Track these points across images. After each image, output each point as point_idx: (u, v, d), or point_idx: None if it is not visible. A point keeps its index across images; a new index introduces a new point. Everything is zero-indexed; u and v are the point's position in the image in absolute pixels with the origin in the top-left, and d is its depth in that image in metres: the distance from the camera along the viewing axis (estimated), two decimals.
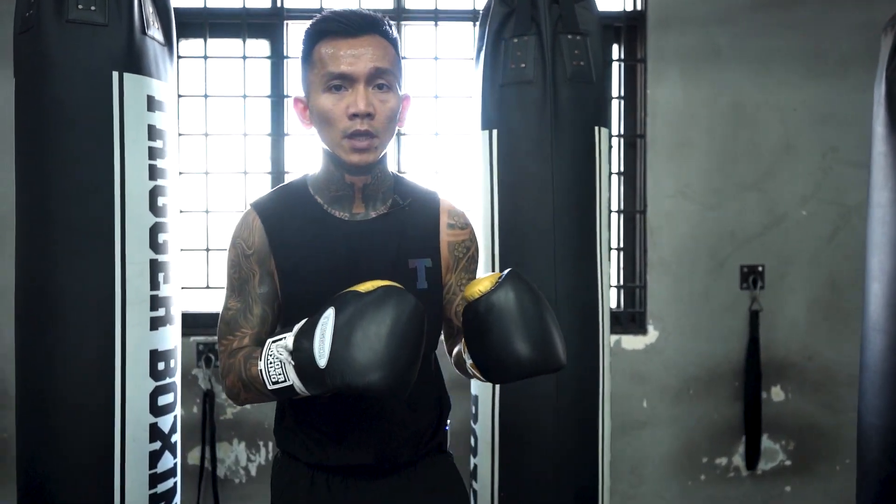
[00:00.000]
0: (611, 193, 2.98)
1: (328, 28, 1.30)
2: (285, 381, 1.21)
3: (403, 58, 1.40)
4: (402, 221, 1.40)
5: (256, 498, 2.86)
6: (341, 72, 1.28)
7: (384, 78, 1.30)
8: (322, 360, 1.13)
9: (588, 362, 1.99)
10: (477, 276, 1.46)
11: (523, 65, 1.96)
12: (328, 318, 1.16)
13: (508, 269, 1.30)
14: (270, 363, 1.23)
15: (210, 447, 2.79)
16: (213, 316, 2.89)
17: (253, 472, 2.86)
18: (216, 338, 2.80)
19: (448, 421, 1.50)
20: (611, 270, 3.02)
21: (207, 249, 2.87)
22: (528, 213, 1.94)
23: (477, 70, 2.06)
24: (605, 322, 2.04)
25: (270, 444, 2.84)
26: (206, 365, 2.80)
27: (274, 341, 1.23)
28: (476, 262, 1.48)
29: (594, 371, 2.00)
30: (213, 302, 2.93)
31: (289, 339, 1.21)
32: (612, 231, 3.02)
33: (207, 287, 2.88)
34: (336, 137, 1.31)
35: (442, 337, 1.51)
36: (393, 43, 1.34)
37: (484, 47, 2.02)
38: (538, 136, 1.94)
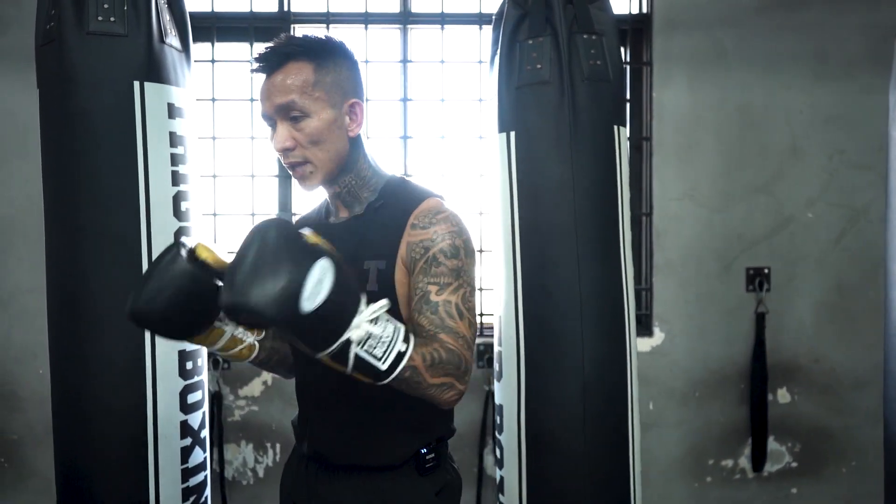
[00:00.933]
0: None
1: (255, 67, 1.38)
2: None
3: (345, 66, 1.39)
4: (370, 224, 1.42)
5: (264, 499, 2.87)
6: (264, 113, 1.38)
7: (294, 109, 1.35)
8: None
9: (616, 365, 1.95)
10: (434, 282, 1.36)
11: (539, 66, 1.95)
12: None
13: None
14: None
15: (218, 449, 2.80)
16: None
17: (261, 474, 2.87)
18: None
19: (430, 450, 1.44)
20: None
21: None
22: (550, 215, 1.92)
23: (492, 73, 2.06)
24: (631, 321, 2.00)
25: (278, 446, 2.86)
26: (214, 367, 2.81)
27: None
28: (443, 266, 1.34)
29: (622, 374, 1.96)
30: None
31: None
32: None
33: None
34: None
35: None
36: (314, 60, 1.36)
37: (498, 50, 2.01)
38: (557, 137, 1.93)
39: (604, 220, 1.97)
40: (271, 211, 2.93)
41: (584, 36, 1.96)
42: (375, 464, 1.41)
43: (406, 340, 1.21)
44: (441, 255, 1.34)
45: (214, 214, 2.89)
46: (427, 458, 1.43)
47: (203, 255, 1.25)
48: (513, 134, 1.97)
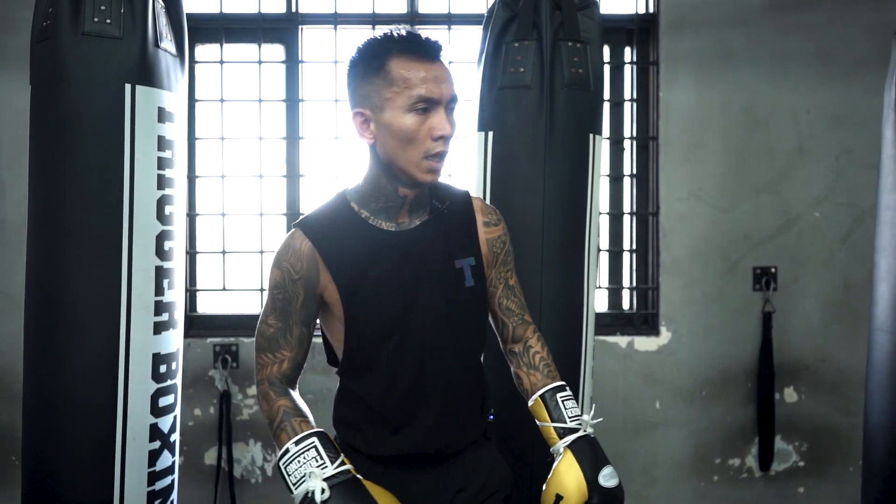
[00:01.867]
0: (616, 197, 3.01)
1: (406, 48, 1.35)
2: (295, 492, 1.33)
3: None
4: (444, 225, 1.47)
5: (272, 498, 2.89)
6: (430, 97, 1.34)
7: (455, 102, 1.39)
8: None
9: (569, 363, 2.00)
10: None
11: (522, 69, 1.98)
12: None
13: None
14: (289, 474, 1.33)
15: (227, 447, 2.82)
16: (229, 318, 2.93)
17: (269, 473, 2.89)
18: (231, 339, 2.84)
19: (491, 410, 1.59)
20: (623, 271, 3.04)
21: (224, 252, 2.91)
22: (519, 214, 1.95)
23: (478, 72, 2.08)
24: (589, 323, 2.05)
25: None
26: (223, 366, 2.83)
27: (294, 455, 1.34)
28: (512, 254, 1.57)
29: (575, 372, 2.02)
30: (229, 304, 2.96)
31: (298, 493, 1.30)
32: (624, 233, 3.04)
33: (224, 289, 2.91)
34: (415, 157, 1.36)
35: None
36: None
37: (485, 50, 2.05)
38: (532, 140, 1.96)
39: (571, 223, 2.01)
40: (279, 210, 2.95)
41: (569, 43, 1.99)
42: (463, 444, 1.51)
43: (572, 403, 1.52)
44: (510, 246, 1.57)
45: (223, 214, 2.90)
46: (490, 424, 1.58)
47: None
48: (491, 133, 2.01)
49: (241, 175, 2.94)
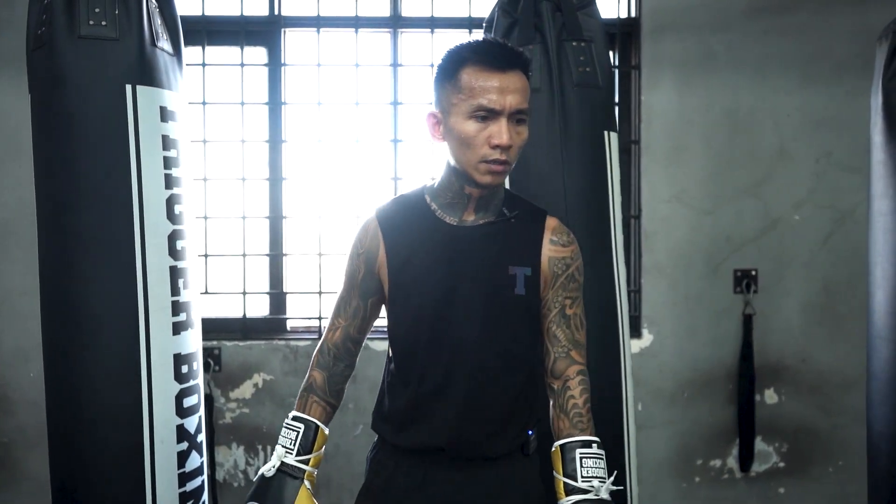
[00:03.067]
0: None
1: (479, 57, 1.40)
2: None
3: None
4: (507, 230, 1.49)
5: None
6: (490, 107, 1.38)
7: (523, 114, 1.42)
8: None
9: (611, 368, 1.98)
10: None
11: (529, 73, 1.97)
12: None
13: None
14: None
15: (209, 451, 2.82)
16: (212, 321, 2.92)
17: (252, 476, 2.89)
18: (213, 343, 2.84)
19: (533, 427, 1.56)
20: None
21: (206, 255, 2.90)
22: None
23: None
24: (624, 324, 2.04)
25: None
26: (205, 370, 2.82)
27: (285, 431, 1.56)
28: (576, 282, 1.52)
29: (616, 376, 2.00)
30: (212, 307, 2.96)
31: (274, 457, 1.55)
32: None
33: (206, 292, 2.91)
34: (473, 160, 1.41)
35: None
36: (529, 77, 1.46)
37: None
38: (548, 144, 1.95)
39: (596, 224, 1.99)
40: (262, 213, 2.94)
41: (574, 43, 1.98)
42: (496, 454, 1.50)
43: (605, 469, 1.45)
44: (576, 273, 1.52)
45: (205, 217, 2.90)
46: (531, 439, 1.55)
47: None
48: None
49: (224, 178, 2.93)
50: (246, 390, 2.86)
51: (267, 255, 2.96)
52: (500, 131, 1.38)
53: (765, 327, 2.96)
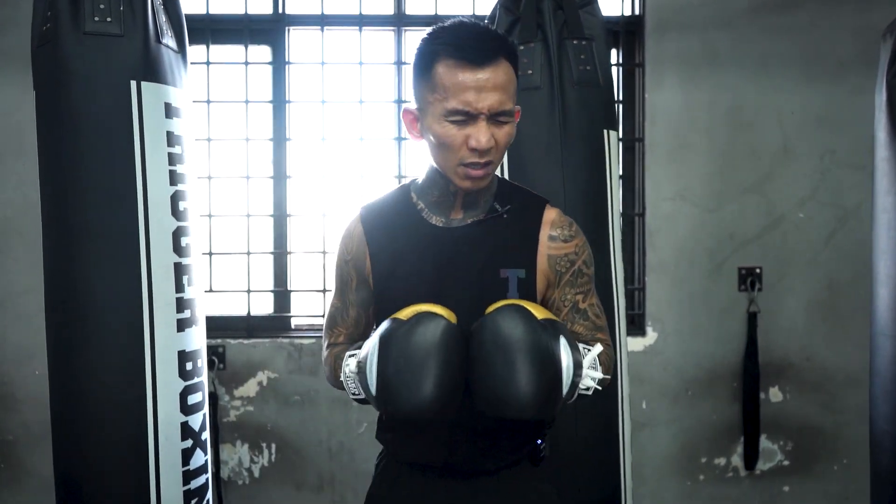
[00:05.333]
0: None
1: (452, 51, 1.26)
2: (361, 395, 1.33)
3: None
4: (498, 229, 1.38)
5: (259, 499, 2.89)
6: (465, 110, 1.26)
7: (504, 114, 1.28)
8: (372, 388, 1.23)
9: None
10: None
11: (530, 71, 1.97)
12: (374, 348, 1.23)
13: (512, 303, 1.27)
14: (347, 377, 1.34)
15: (213, 449, 2.81)
16: (216, 319, 2.92)
17: (256, 474, 2.89)
18: (218, 341, 2.84)
19: (544, 435, 1.47)
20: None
21: (210, 253, 2.90)
22: None
23: None
24: (621, 323, 2.04)
25: (274, 446, 2.87)
26: (210, 368, 2.82)
27: (350, 355, 1.35)
28: (585, 275, 1.41)
29: (613, 373, 2.00)
30: (216, 305, 2.96)
31: (353, 360, 1.32)
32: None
33: (210, 290, 2.91)
34: (451, 164, 1.31)
35: None
36: (515, 63, 1.31)
37: None
38: (548, 142, 1.95)
39: (594, 223, 1.99)
40: (266, 212, 2.95)
41: (574, 41, 1.99)
42: (504, 463, 1.42)
43: (598, 362, 1.32)
44: (584, 266, 1.41)
45: (210, 216, 2.90)
46: (541, 448, 1.46)
47: None
48: None
49: (228, 176, 2.93)
50: (250, 388, 2.86)
51: (271, 253, 2.96)
52: (478, 134, 1.26)
53: (769, 325, 2.96)
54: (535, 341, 1.19)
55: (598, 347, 1.31)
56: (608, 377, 1.37)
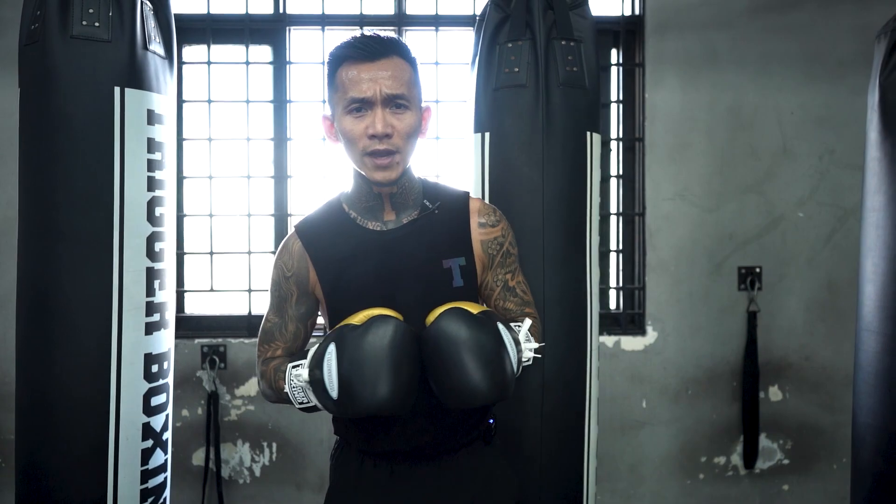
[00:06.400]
0: (602, 197, 3.02)
1: (347, 54, 1.40)
2: (309, 402, 1.38)
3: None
4: (433, 224, 1.48)
5: (260, 498, 2.89)
6: (360, 97, 1.37)
7: (400, 100, 1.39)
8: (333, 392, 1.30)
9: (575, 364, 2.00)
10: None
11: (517, 69, 1.97)
12: (331, 353, 1.31)
13: (451, 306, 1.38)
14: (294, 387, 1.38)
15: (214, 448, 2.82)
16: (217, 318, 2.93)
17: (257, 473, 2.89)
18: (219, 340, 2.85)
19: (493, 415, 1.57)
20: (610, 272, 3.06)
21: (212, 253, 2.91)
22: (519, 216, 1.93)
23: (472, 74, 2.08)
24: (593, 324, 2.05)
25: (275, 445, 2.88)
26: (211, 367, 2.83)
27: (294, 366, 1.39)
28: (512, 255, 1.54)
29: (581, 373, 2.01)
30: (217, 305, 2.96)
31: (303, 370, 1.36)
32: (610, 233, 3.06)
33: (211, 290, 2.91)
34: (358, 155, 1.41)
35: None
36: (411, 62, 1.44)
37: (479, 51, 2.04)
38: (530, 140, 1.96)
39: (572, 223, 2.00)
40: (267, 211, 2.95)
41: (563, 42, 1.99)
42: (457, 444, 1.50)
43: (531, 335, 1.46)
44: (510, 247, 1.54)
45: (210, 215, 2.90)
46: (492, 427, 1.56)
47: None
48: (487, 135, 2.00)
49: (229, 176, 2.94)
50: (251, 387, 2.87)
51: (272, 252, 2.97)
52: (373, 120, 1.37)
53: (769, 324, 2.96)
54: (477, 338, 1.32)
55: (528, 321, 1.44)
56: (542, 344, 1.56)
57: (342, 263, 1.46)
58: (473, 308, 1.36)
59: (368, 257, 1.45)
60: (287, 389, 1.40)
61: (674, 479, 3.00)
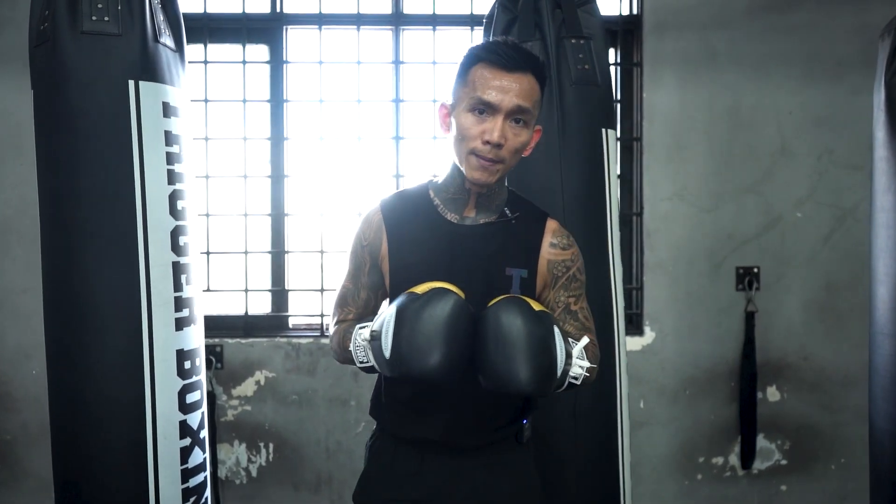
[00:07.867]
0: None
1: (487, 56, 1.44)
2: (369, 362, 1.43)
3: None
4: (507, 232, 1.52)
5: (257, 499, 2.89)
6: (487, 100, 1.41)
7: (523, 115, 1.43)
8: (387, 352, 1.35)
9: (605, 367, 1.97)
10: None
11: (544, 79, 1.97)
12: (391, 316, 1.36)
13: (515, 296, 1.41)
14: (357, 346, 1.45)
15: (211, 448, 2.81)
16: (214, 319, 2.92)
17: (254, 473, 2.89)
18: (215, 340, 2.84)
19: (528, 417, 1.59)
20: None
21: (208, 252, 2.90)
22: None
23: None
24: (619, 323, 2.04)
25: (271, 446, 2.87)
26: (208, 367, 2.82)
27: (361, 327, 1.46)
28: (578, 281, 1.56)
29: (611, 373, 2.01)
30: (214, 304, 2.95)
31: (366, 330, 1.43)
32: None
33: (208, 290, 2.90)
34: (465, 152, 1.45)
35: None
36: (541, 82, 1.47)
37: None
38: (546, 140, 1.93)
39: (592, 221, 1.99)
40: (264, 211, 2.94)
41: (573, 40, 1.98)
42: (488, 441, 1.55)
43: (585, 353, 1.45)
44: (577, 273, 1.57)
45: (207, 215, 2.90)
46: (525, 427, 1.59)
47: None
48: None
49: (226, 175, 2.93)
50: (248, 388, 2.86)
51: (269, 252, 2.96)
52: (493, 128, 1.41)
53: (767, 325, 2.96)
54: (533, 329, 1.33)
55: (585, 339, 1.43)
56: (595, 366, 1.52)
57: (413, 245, 1.52)
58: (535, 305, 1.39)
59: (438, 243, 1.51)
60: (352, 348, 1.46)
61: (672, 480, 2.99)
